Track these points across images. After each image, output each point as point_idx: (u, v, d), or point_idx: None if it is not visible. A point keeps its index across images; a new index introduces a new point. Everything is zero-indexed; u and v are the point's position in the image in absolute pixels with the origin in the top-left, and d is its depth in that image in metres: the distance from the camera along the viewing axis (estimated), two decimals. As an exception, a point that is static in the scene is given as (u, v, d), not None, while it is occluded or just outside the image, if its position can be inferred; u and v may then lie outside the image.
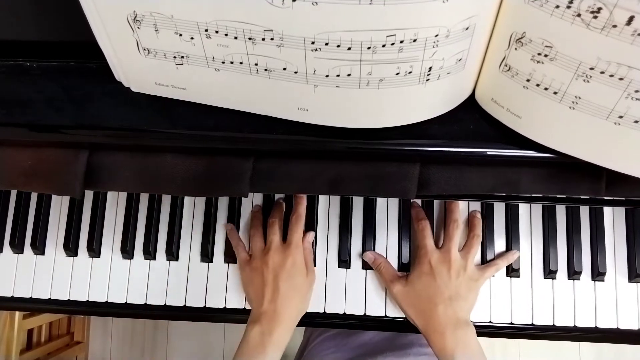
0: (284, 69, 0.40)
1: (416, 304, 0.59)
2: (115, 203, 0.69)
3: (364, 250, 0.66)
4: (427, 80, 0.40)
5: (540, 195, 0.60)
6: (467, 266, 0.60)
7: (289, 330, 0.58)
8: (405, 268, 0.65)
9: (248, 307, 0.65)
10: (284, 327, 0.57)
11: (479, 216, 0.65)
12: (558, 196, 0.61)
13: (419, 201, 0.67)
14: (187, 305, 0.66)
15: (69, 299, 0.67)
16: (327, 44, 0.37)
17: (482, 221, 0.65)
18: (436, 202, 0.66)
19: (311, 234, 0.66)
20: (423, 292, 0.59)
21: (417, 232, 0.63)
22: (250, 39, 0.38)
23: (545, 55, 0.37)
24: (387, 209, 0.67)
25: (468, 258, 0.61)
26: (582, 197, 0.61)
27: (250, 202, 0.68)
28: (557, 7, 0.34)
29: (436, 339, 0.56)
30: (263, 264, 0.61)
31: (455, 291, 0.58)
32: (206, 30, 0.39)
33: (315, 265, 0.66)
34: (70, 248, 0.68)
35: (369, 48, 0.37)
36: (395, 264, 0.65)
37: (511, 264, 0.64)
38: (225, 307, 0.66)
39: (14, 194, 0.71)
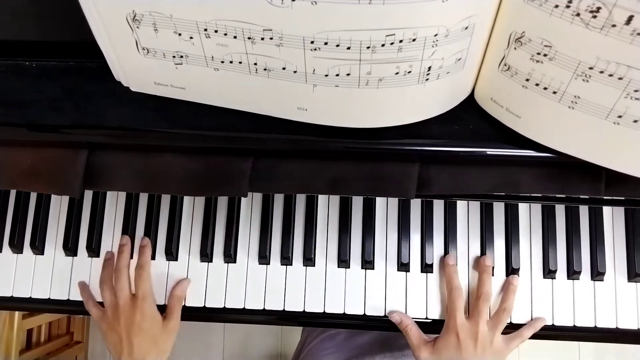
0: (283, 68, 0.40)
1: None
2: (115, 203, 0.69)
3: (363, 250, 0.66)
4: (427, 79, 0.40)
5: (540, 195, 0.60)
6: (493, 340, 0.60)
7: None
8: (404, 268, 0.65)
9: (248, 306, 0.65)
10: None
11: (515, 283, 0.63)
12: (558, 196, 0.61)
13: (418, 202, 0.67)
14: (187, 305, 0.66)
15: (68, 299, 0.67)
16: (326, 43, 0.37)
17: (515, 291, 0.63)
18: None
19: (186, 282, 0.66)
20: None
21: (449, 299, 0.62)
22: (249, 38, 0.38)
23: (545, 55, 0.38)
24: (387, 209, 0.67)
25: (495, 332, 0.61)
26: (581, 196, 0.61)
27: (250, 201, 0.68)
28: (557, 6, 0.34)
29: None
30: (114, 321, 0.62)
31: None
32: (205, 30, 0.39)
33: (314, 265, 0.66)
34: (70, 248, 0.67)
35: (368, 47, 0.37)
36: (394, 265, 0.65)
37: (511, 264, 0.64)
38: (224, 306, 0.66)
39: (13, 193, 0.70)
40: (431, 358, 0.60)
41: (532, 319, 0.64)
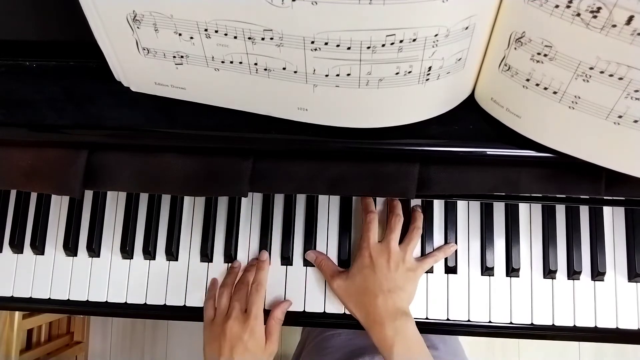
0: (284, 68, 0.40)
1: (356, 297, 0.60)
2: (115, 203, 0.69)
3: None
4: (427, 80, 0.40)
5: (540, 195, 0.60)
6: (405, 258, 0.61)
7: None
8: (405, 268, 0.65)
9: (248, 307, 0.65)
10: None
11: (420, 210, 0.66)
12: (558, 196, 0.61)
13: (418, 202, 0.67)
14: (187, 305, 0.66)
15: (68, 299, 0.67)
16: (326, 43, 0.37)
17: (423, 215, 0.65)
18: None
19: (286, 304, 0.64)
20: (363, 284, 0.59)
21: (364, 223, 0.64)
22: (249, 38, 0.38)
23: (545, 55, 0.38)
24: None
25: (407, 250, 0.62)
26: (581, 197, 0.61)
27: (250, 201, 0.68)
28: (557, 6, 0.34)
29: (376, 330, 0.57)
30: (222, 332, 0.60)
31: (394, 283, 0.59)
32: (206, 30, 0.39)
33: (314, 265, 0.66)
34: (70, 248, 0.68)
35: (368, 48, 0.37)
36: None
37: (511, 264, 0.64)
38: (225, 307, 0.66)
39: (13, 193, 0.71)
40: (345, 284, 0.61)
41: (445, 244, 0.65)
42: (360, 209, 0.66)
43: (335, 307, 0.65)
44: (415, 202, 0.67)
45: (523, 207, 0.66)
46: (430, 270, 0.65)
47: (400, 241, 0.63)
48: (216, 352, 0.60)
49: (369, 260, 0.60)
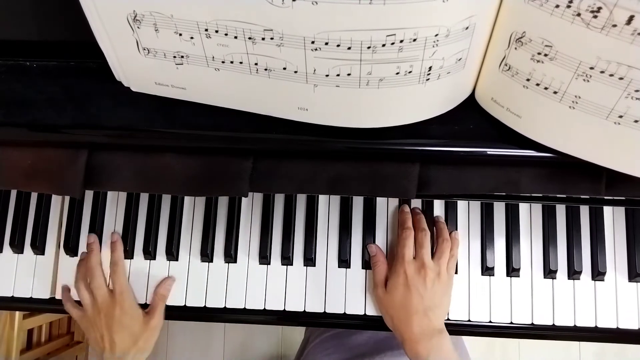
0: (284, 68, 0.40)
1: (392, 312, 0.60)
2: (115, 203, 0.69)
3: (364, 250, 0.66)
4: (427, 79, 0.40)
5: (541, 195, 0.60)
6: (440, 272, 0.60)
7: None
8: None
9: (248, 306, 0.65)
10: None
11: (442, 220, 0.66)
12: (558, 196, 0.61)
13: (418, 202, 0.67)
14: (187, 305, 0.66)
15: (69, 299, 0.67)
16: (327, 43, 0.37)
17: (446, 224, 0.65)
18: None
19: (169, 280, 0.66)
20: (399, 302, 0.59)
21: (400, 239, 0.63)
22: (250, 38, 0.38)
23: (545, 55, 0.38)
24: (387, 209, 0.67)
25: (440, 264, 0.61)
26: (582, 196, 0.61)
27: (251, 201, 0.68)
28: (557, 6, 0.34)
29: (411, 347, 0.57)
30: (95, 318, 0.62)
31: (430, 301, 0.58)
32: (206, 30, 0.39)
33: (315, 265, 0.66)
34: (70, 248, 0.67)
35: (368, 47, 0.37)
36: (395, 264, 0.65)
37: (512, 264, 0.64)
38: (225, 306, 0.66)
39: (14, 194, 0.70)
40: (383, 297, 0.61)
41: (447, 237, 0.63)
42: (397, 214, 0.66)
43: (335, 307, 0.65)
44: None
45: (523, 207, 0.66)
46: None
47: (432, 255, 0.62)
48: (98, 339, 0.61)
49: (404, 278, 0.59)
